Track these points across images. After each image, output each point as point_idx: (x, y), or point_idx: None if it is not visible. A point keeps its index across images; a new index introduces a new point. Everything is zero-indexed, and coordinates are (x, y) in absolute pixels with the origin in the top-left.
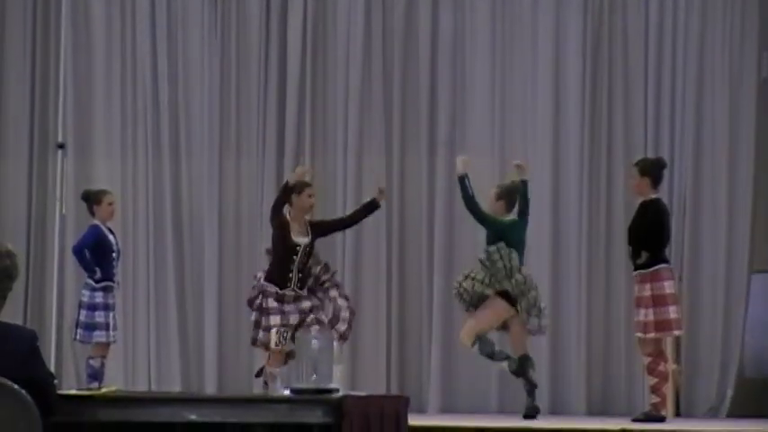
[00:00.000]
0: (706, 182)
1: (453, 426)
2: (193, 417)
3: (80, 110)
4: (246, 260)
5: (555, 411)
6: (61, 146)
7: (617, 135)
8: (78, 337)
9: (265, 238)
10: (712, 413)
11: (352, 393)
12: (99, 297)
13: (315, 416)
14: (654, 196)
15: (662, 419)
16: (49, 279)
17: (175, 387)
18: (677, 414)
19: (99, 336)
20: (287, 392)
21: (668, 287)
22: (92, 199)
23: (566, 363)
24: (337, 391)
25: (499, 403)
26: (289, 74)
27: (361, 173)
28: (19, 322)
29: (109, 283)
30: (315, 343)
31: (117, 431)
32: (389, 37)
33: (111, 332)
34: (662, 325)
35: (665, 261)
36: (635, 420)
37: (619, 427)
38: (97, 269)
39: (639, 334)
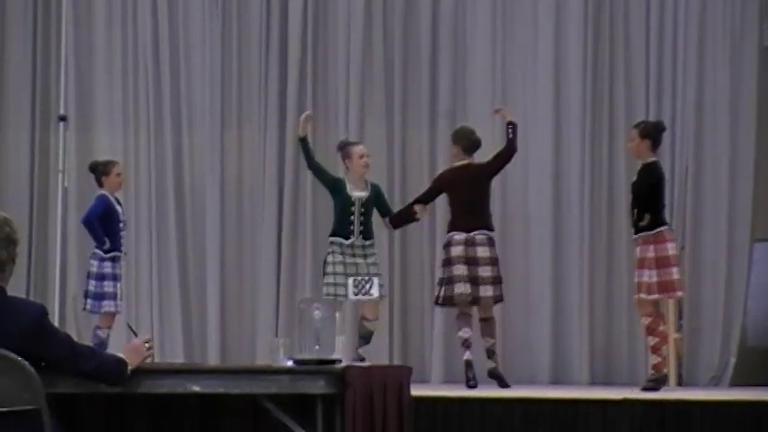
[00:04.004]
0: (708, 150)
1: (456, 396)
2: (196, 388)
3: (81, 82)
4: (249, 231)
5: (557, 381)
6: (63, 118)
7: (618, 104)
8: (88, 306)
9: (267, 209)
10: (715, 382)
11: (355, 364)
12: (108, 267)
13: (317, 386)
14: (652, 159)
15: (665, 379)
16: (52, 251)
17: (178, 358)
18: (679, 383)
19: (108, 305)
20: (289, 363)
21: (671, 248)
22: (100, 170)
23: (568, 333)
24: (340, 361)
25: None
26: (290, 45)
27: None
28: (22, 294)
29: (117, 253)
30: (317, 313)
31: (119, 402)
32: (390, 9)
33: (119, 302)
34: (665, 286)
35: (666, 223)
36: (645, 390)
37: (621, 396)
38: (106, 239)
39: (643, 295)
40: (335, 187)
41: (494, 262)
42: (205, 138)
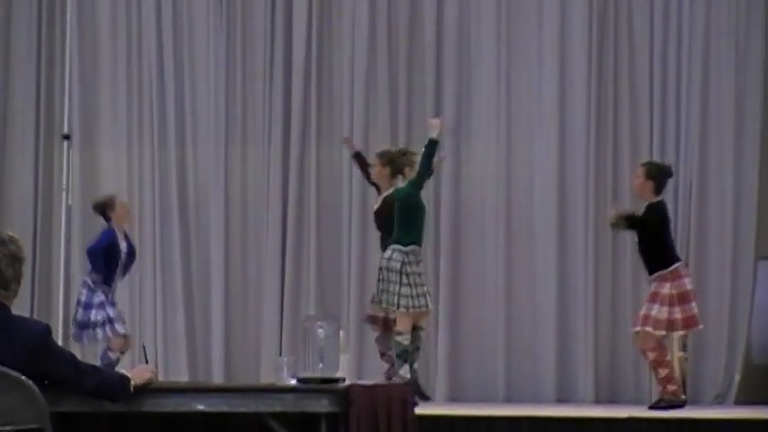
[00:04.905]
0: (712, 168)
1: (460, 414)
2: (200, 406)
3: (86, 100)
4: (253, 247)
5: (562, 399)
6: (67, 137)
7: (623, 122)
8: (72, 333)
9: (271, 225)
10: (719, 400)
11: (359, 382)
12: (97, 297)
13: (321, 405)
14: (656, 199)
15: (683, 404)
16: (56, 269)
17: (182, 377)
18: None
19: (89, 335)
20: (294, 381)
21: (688, 284)
22: (106, 206)
23: (573, 350)
24: (344, 380)
25: (506, 392)
26: (294, 60)
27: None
28: (26, 313)
29: (107, 287)
30: (321, 332)
31: (123, 421)
32: (395, 23)
33: (115, 326)
34: (688, 321)
35: (680, 259)
36: (654, 408)
37: (626, 414)
38: (101, 276)
39: (649, 328)
40: (418, 196)
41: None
42: (209, 153)
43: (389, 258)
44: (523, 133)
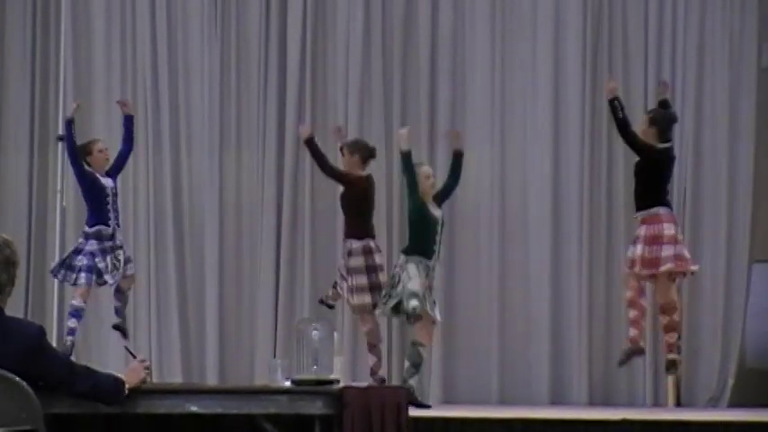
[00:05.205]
0: (706, 171)
1: (454, 416)
2: (194, 408)
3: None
4: (247, 251)
5: (556, 401)
6: (61, 138)
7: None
8: (59, 276)
9: (266, 229)
10: (713, 403)
11: (353, 384)
12: (90, 245)
13: (315, 407)
14: (660, 146)
15: (641, 352)
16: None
17: (176, 378)
18: (678, 404)
19: (68, 276)
20: (288, 383)
21: (666, 228)
22: (83, 152)
23: (567, 353)
24: (338, 382)
25: (500, 395)
26: (288, 66)
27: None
28: (20, 315)
29: (102, 227)
30: (315, 334)
31: (117, 422)
32: (389, 29)
33: (96, 275)
34: (652, 262)
35: (665, 204)
36: (620, 364)
37: (620, 416)
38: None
39: (626, 269)
40: (422, 209)
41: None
42: (203, 159)
43: (395, 267)
44: (518, 138)
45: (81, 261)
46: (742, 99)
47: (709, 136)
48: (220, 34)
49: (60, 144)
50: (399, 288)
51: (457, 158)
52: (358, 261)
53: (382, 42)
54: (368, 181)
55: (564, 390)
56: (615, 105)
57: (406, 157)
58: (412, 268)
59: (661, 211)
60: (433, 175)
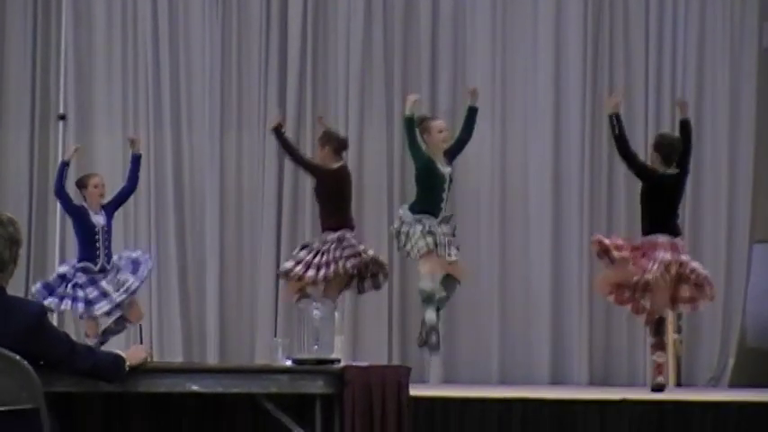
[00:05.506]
0: (707, 152)
1: (455, 396)
2: (195, 387)
3: (81, 82)
4: (248, 231)
5: (556, 381)
6: (62, 117)
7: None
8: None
9: (266, 210)
10: (713, 382)
11: (354, 363)
12: (78, 278)
13: (316, 386)
14: (659, 170)
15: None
16: (51, 250)
17: (177, 357)
18: (678, 383)
19: (54, 303)
20: (288, 362)
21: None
22: (79, 184)
23: (567, 333)
24: (339, 361)
25: (500, 374)
26: (290, 47)
27: (362, 146)
28: (21, 294)
29: (88, 264)
30: (316, 313)
31: (118, 401)
32: (390, 12)
33: (94, 305)
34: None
35: (665, 231)
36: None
37: (620, 397)
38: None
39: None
40: (428, 165)
41: None
42: (204, 140)
43: (400, 222)
44: (518, 121)
45: (69, 291)
46: (743, 80)
47: (711, 117)
48: (221, 14)
49: (61, 123)
50: (408, 247)
51: (471, 114)
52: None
53: (383, 25)
54: (339, 173)
55: (564, 370)
56: (612, 122)
57: (408, 123)
58: (417, 234)
59: (660, 239)
60: (446, 128)
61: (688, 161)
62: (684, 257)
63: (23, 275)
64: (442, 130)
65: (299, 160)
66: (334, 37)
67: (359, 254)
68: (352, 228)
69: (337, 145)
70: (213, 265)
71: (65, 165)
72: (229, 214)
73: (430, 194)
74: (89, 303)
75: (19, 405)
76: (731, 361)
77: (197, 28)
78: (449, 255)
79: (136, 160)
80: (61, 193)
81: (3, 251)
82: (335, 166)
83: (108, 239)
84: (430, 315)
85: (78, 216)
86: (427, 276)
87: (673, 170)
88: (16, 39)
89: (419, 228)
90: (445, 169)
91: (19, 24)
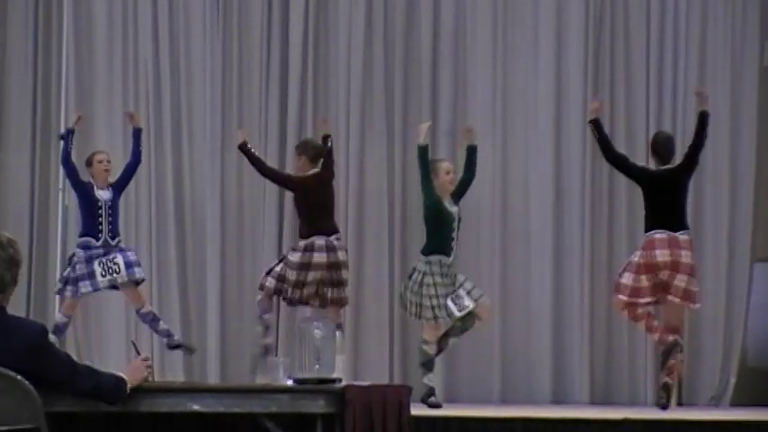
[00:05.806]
0: (708, 170)
1: (456, 415)
2: (196, 407)
3: (82, 100)
4: (249, 249)
5: (557, 400)
6: (63, 137)
7: (619, 123)
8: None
9: (267, 227)
10: (715, 402)
11: (355, 383)
12: (79, 255)
13: (317, 405)
14: (659, 167)
15: (677, 343)
16: (52, 269)
17: (178, 377)
18: (679, 403)
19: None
20: (289, 382)
21: (658, 255)
22: (87, 163)
23: (569, 352)
24: (340, 380)
25: (501, 393)
26: (290, 63)
27: (363, 162)
28: (22, 313)
29: (90, 239)
30: (317, 332)
31: (119, 421)
32: (391, 26)
33: (78, 285)
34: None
35: (663, 228)
36: (662, 363)
37: (622, 416)
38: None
39: (624, 297)
40: (437, 205)
41: None
42: (205, 155)
43: (414, 270)
44: (519, 134)
45: (70, 273)
46: (744, 98)
47: (712, 134)
48: (222, 30)
49: (62, 142)
50: (425, 296)
51: (471, 153)
52: (295, 257)
53: (384, 37)
54: (308, 180)
55: (565, 389)
56: (592, 128)
57: (422, 152)
58: (428, 284)
59: (657, 236)
60: (453, 171)
61: (697, 153)
62: (683, 254)
63: (24, 295)
64: (450, 171)
65: (267, 174)
66: (335, 52)
67: (307, 265)
68: (328, 233)
69: (314, 153)
70: (214, 283)
71: (69, 132)
72: (230, 229)
73: (440, 234)
74: (86, 277)
75: (20, 425)
76: (732, 380)
77: (198, 44)
78: (464, 307)
79: (137, 135)
80: (67, 161)
81: (3, 273)
82: (308, 174)
83: (113, 215)
84: (428, 379)
85: (82, 190)
86: (430, 342)
87: (670, 166)
88: (17, 59)
89: (449, 299)
90: (453, 209)
91: (20, 45)
